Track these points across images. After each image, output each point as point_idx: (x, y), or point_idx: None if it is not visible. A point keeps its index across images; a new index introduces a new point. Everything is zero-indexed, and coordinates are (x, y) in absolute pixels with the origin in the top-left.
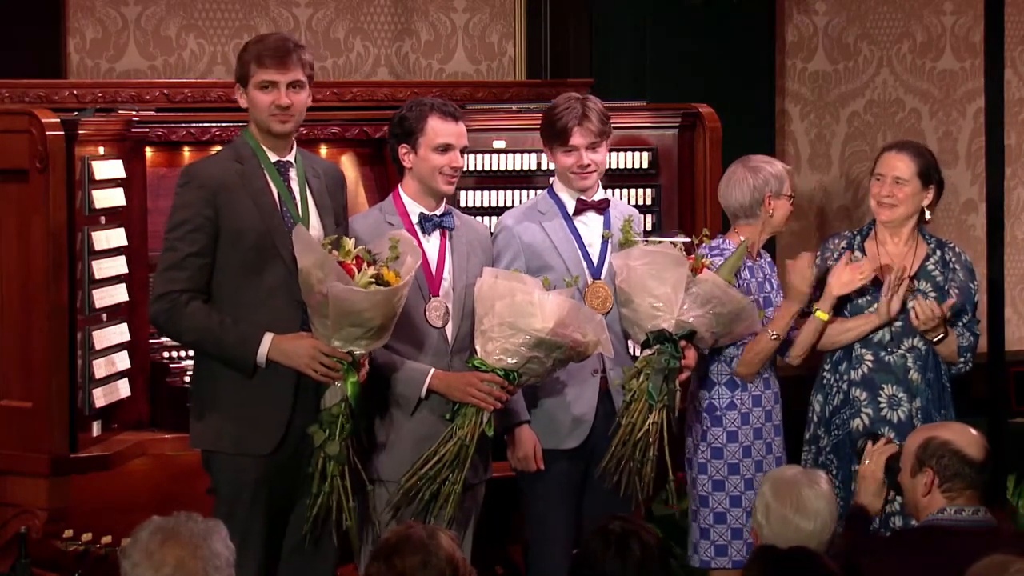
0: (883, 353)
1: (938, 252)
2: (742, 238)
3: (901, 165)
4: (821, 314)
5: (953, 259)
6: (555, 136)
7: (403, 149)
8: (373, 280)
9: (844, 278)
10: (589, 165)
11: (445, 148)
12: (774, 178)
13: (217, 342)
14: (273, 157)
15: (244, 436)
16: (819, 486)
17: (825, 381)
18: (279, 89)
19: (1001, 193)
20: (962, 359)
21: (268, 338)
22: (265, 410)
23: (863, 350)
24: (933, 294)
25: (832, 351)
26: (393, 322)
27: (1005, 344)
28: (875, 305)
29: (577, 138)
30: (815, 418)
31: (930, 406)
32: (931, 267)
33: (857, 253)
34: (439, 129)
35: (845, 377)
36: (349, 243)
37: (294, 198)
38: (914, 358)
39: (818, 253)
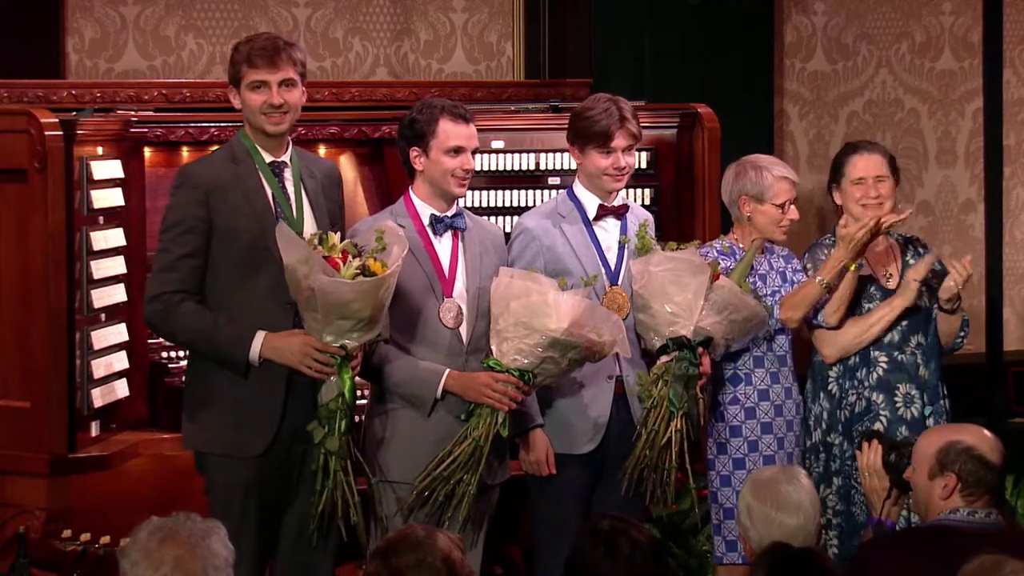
0: (896, 353)
1: (910, 247)
2: (735, 237)
3: (876, 163)
4: (850, 264)
5: (923, 251)
6: (592, 138)
7: (414, 152)
8: (359, 271)
9: (852, 229)
10: (625, 167)
11: (457, 151)
12: (753, 183)
13: (210, 341)
14: (268, 157)
15: (235, 437)
16: (798, 481)
17: (832, 388)
18: (271, 88)
19: (1000, 193)
20: (963, 332)
21: (260, 336)
22: (256, 411)
23: (876, 352)
24: (922, 288)
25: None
26: (383, 313)
27: (1004, 344)
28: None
29: (619, 140)
30: (823, 425)
31: (936, 397)
32: (912, 261)
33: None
34: (450, 132)
35: (865, 383)
36: (335, 237)
37: (288, 199)
38: (921, 354)
39: (808, 264)
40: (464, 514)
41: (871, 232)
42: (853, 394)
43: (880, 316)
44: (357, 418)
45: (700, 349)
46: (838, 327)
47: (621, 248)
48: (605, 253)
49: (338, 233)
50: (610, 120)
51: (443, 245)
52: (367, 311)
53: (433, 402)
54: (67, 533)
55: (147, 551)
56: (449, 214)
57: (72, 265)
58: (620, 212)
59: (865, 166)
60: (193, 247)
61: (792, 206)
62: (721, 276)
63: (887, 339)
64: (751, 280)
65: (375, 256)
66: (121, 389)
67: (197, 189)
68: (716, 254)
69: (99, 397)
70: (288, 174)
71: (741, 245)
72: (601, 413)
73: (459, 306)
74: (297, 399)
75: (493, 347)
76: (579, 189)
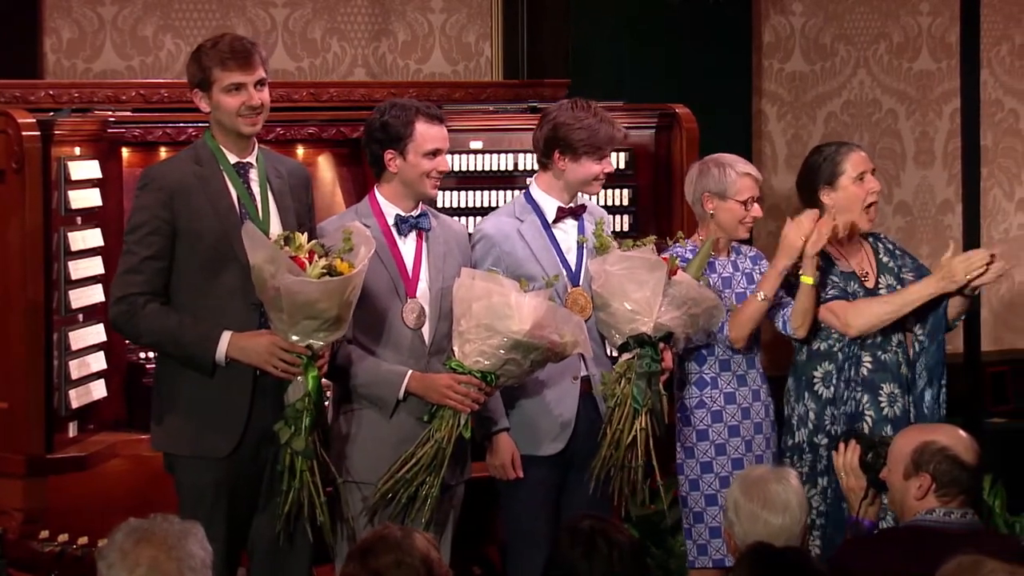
0: (879, 352)
1: (879, 244)
2: (701, 238)
3: (868, 158)
4: (805, 278)
5: (891, 246)
6: (593, 147)
7: (389, 155)
8: (325, 271)
9: (813, 236)
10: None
11: (434, 153)
12: (716, 180)
13: (176, 342)
14: (233, 159)
15: (202, 438)
16: (787, 481)
17: (818, 388)
18: (248, 90)
19: (977, 193)
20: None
21: (227, 336)
22: (222, 412)
23: (861, 352)
24: (897, 285)
25: (825, 359)
26: (350, 312)
27: (981, 344)
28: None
29: (615, 146)
30: (809, 425)
31: (922, 396)
32: (885, 259)
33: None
34: (428, 134)
35: (853, 383)
36: (301, 238)
37: (254, 199)
38: (902, 352)
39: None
40: (427, 516)
41: (804, 239)
42: (847, 395)
43: (914, 298)
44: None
45: (661, 345)
46: (805, 338)
47: (580, 248)
48: (565, 254)
49: (306, 233)
50: (610, 128)
51: (407, 245)
52: (333, 311)
53: (395, 403)
54: (45, 534)
55: (123, 552)
56: (414, 214)
57: (50, 266)
58: (578, 212)
59: (864, 161)
60: (157, 249)
61: (756, 204)
62: (679, 271)
63: (869, 339)
64: (714, 282)
65: (342, 256)
66: (99, 390)
67: (161, 191)
68: (681, 252)
69: (76, 398)
70: (254, 175)
71: None
72: (567, 413)
73: (422, 307)
74: (264, 400)
75: (455, 348)
76: (537, 192)
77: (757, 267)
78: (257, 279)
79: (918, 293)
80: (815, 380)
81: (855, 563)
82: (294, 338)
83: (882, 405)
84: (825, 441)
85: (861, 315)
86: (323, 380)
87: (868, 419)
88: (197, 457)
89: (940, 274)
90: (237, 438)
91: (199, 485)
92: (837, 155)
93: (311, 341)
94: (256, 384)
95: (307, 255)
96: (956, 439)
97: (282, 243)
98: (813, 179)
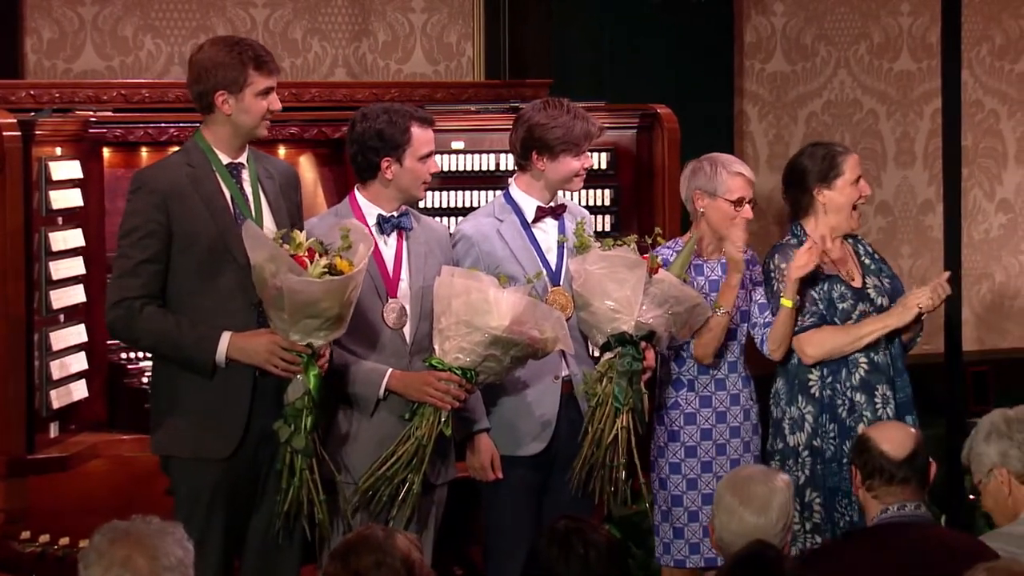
0: (873, 354)
1: (859, 246)
2: (690, 235)
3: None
4: (785, 301)
5: (869, 249)
6: (570, 144)
7: (386, 162)
8: (327, 270)
9: (800, 260)
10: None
11: (428, 156)
12: (707, 177)
13: (175, 345)
14: (225, 159)
15: (201, 440)
16: (773, 483)
17: (815, 391)
18: (274, 94)
19: (959, 194)
20: (920, 331)
21: (226, 336)
22: (222, 414)
23: (858, 354)
24: (879, 284)
25: (821, 362)
26: (350, 311)
27: (963, 345)
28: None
29: (592, 140)
30: (808, 428)
31: (907, 397)
32: (867, 261)
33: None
34: (422, 139)
35: (847, 384)
36: (300, 236)
37: (247, 200)
38: (889, 354)
39: (781, 264)
40: (408, 513)
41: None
42: (839, 398)
43: (870, 331)
44: None
45: (643, 344)
46: (784, 359)
47: (560, 248)
48: (545, 254)
49: (303, 232)
50: (584, 123)
51: (388, 245)
52: (335, 310)
53: (376, 402)
54: (26, 534)
55: (99, 553)
56: (395, 214)
57: (31, 266)
58: (558, 212)
59: (859, 165)
60: (153, 252)
61: (748, 206)
62: (660, 269)
63: None
64: (700, 285)
65: (341, 255)
66: (80, 390)
67: (154, 194)
68: (667, 254)
69: (58, 398)
70: (245, 175)
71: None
72: (547, 413)
73: (403, 306)
74: (263, 402)
75: (436, 346)
76: (516, 192)
77: (749, 273)
78: (258, 278)
79: (874, 326)
80: (811, 383)
81: (826, 565)
82: (294, 337)
83: (877, 406)
84: (825, 443)
85: (818, 345)
86: None
87: (866, 419)
88: (197, 459)
89: (899, 309)
90: (237, 440)
91: (197, 487)
92: (838, 156)
93: (311, 340)
94: (255, 385)
95: (307, 253)
96: (885, 431)
97: (280, 242)
98: (805, 177)
